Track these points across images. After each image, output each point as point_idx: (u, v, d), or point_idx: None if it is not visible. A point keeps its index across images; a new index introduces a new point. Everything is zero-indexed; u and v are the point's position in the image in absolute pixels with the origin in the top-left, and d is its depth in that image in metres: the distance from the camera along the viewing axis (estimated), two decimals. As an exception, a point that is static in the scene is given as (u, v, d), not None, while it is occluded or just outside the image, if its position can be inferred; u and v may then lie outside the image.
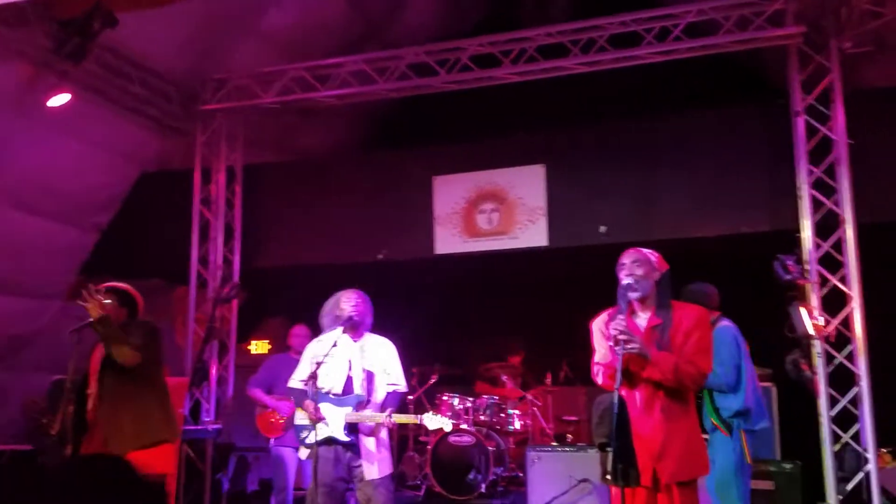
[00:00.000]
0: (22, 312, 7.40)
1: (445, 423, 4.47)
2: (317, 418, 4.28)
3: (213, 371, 7.24)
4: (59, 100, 5.99)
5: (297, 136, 8.66)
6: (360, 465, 4.34)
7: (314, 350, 4.55)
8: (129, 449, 4.16)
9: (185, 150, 7.59)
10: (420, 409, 7.71)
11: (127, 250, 7.54)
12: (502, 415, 7.39)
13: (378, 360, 4.52)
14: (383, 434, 4.47)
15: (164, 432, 4.36)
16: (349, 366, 4.50)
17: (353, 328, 4.51)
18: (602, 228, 6.54)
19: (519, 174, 6.95)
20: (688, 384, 3.43)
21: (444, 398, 7.39)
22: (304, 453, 4.57)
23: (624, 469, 3.34)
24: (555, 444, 6.90)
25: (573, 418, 7.77)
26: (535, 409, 7.60)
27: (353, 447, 4.36)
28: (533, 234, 6.83)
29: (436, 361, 7.87)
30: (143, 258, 7.54)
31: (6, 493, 5.80)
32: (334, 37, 7.66)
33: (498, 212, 6.98)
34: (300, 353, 4.83)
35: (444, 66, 6.73)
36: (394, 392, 4.54)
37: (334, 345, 4.40)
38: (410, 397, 7.42)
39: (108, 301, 4.34)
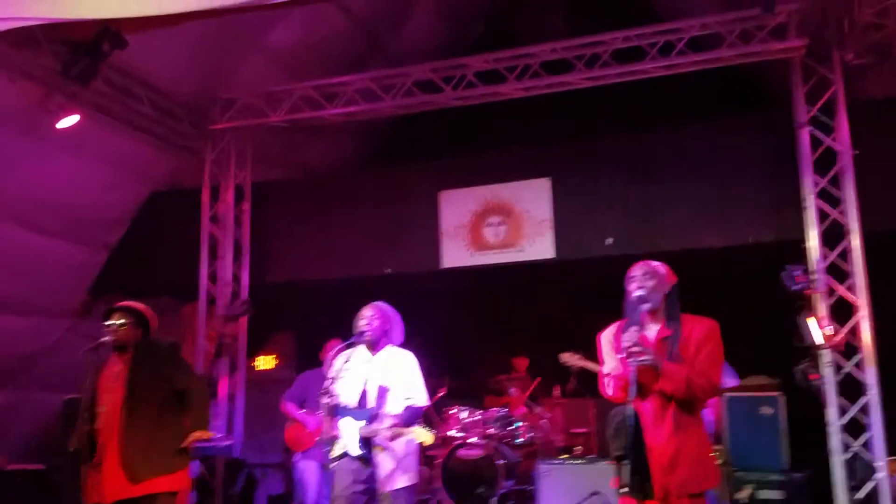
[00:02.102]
0: (31, 331, 7.43)
1: (427, 437, 4.41)
2: (330, 436, 4.30)
3: (224, 388, 7.26)
4: (68, 121, 6.05)
5: (304, 153, 8.72)
6: (375, 479, 4.36)
7: (336, 365, 4.59)
8: (156, 475, 4.20)
9: (193, 168, 7.65)
10: (429, 423, 7.70)
11: (136, 268, 7.59)
12: (511, 428, 7.38)
13: (395, 375, 4.53)
14: (399, 446, 4.44)
15: (186, 457, 4.40)
16: (365, 380, 4.53)
17: (369, 344, 4.54)
18: (608, 240, 6.56)
19: (525, 188, 6.99)
20: (699, 396, 3.45)
21: (453, 411, 7.39)
22: (329, 467, 4.58)
23: (640, 482, 3.36)
24: (565, 456, 6.89)
25: (582, 430, 7.76)
26: (544, 421, 7.60)
27: (369, 461, 4.38)
28: (540, 246, 6.86)
29: (444, 374, 7.87)
30: (153, 276, 7.60)
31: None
32: (337, 54, 7.73)
33: (505, 225, 7.01)
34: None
35: (449, 82, 6.79)
36: (410, 406, 4.52)
37: (347, 360, 4.45)
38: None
39: (124, 321, 4.38)
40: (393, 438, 4.35)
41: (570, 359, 6.31)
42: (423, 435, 4.36)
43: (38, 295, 7.26)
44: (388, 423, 4.40)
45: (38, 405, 7.51)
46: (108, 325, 4.38)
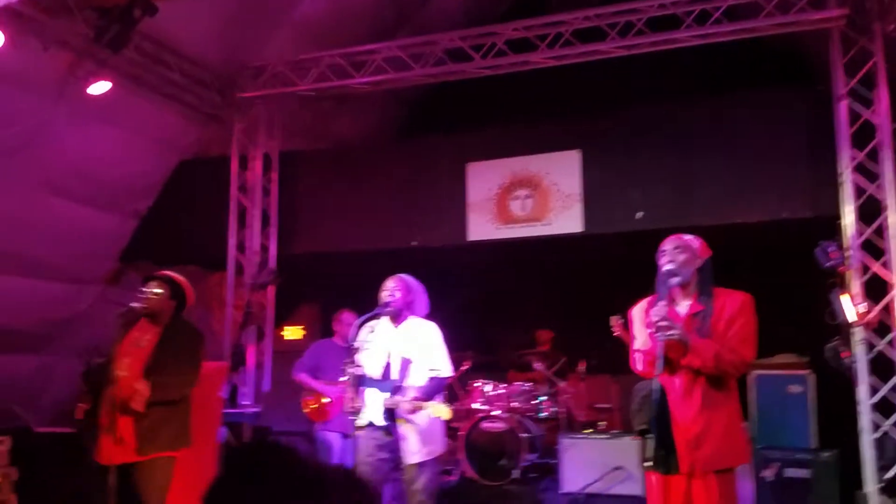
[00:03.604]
0: (63, 297, 7.55)
1: (444, 412, 4.41)
2: (353, 408, 4.33)
3: (251, 356, 7.33)
4: (100, 88, 6.08)
5: (331, 123, 8.70)
6: (399, 449, 4.40)
7: (360, 335, 4.62)
8: (163, 450, 4.27)
9: (222, 137, 7.66)
10: (452, 396, 7.74)
11: (165, 237, 7.65)
12: (534, 402, 7.39)
13: (417, 346, 4.54)
14: (420, 419, 4.46)
15: (189, 433, 4.45)
16: (389, 352, 4.55)
17: (392, 315, 4.55)
18: (638, 214, 6.47)
19: (553, 160, 6.88)
20: (730, 372, 3.41)
21: (477, 384, 7.41)
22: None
23: (665, 456, 3.34)
24: (588, 431, 6.89)
25: (606, 406, 7.75)
26: (567, 396, 7.59)
27: (393, 431, 4.41)
28: (567, 220, 6.76)
29: (468, 348, 7.87)
30: (182, 245, 7.65)
31: (50, 476, 5.93)
32: (366, 23, 7.67)
33: (532, 198, 6.93)
34: (344, 338, 4.90)
35: (479, 51, 6.68)
36: (434, 378, 4.55)
37: (372, 330, 4.47)
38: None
39: (160, 290, 4.42)
40: (413, 411, 4.37)
41: (615, 323, 6.25)
42: (439, 410, 4.37)
43: (70, 262, 7.36)
44: (410, 395, 4.43)
45: (69, 370, 7.64)
46: (144, 292, 4.42)
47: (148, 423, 4.22)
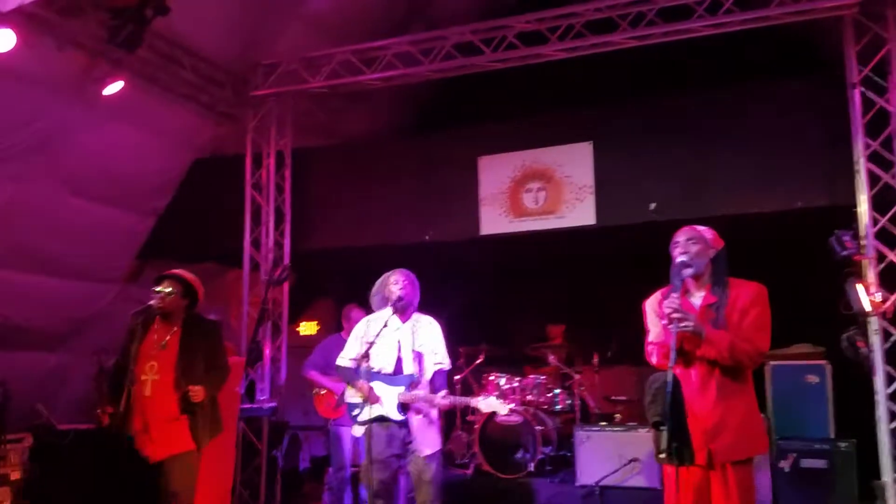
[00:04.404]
0: (82, 296, 7.63)
1: (500, 407, 4.52)
2: (373, 400, 4.38)
3: (267, 352, 7.38)
4: (114, 88, 6.13)
5: (342, 120, 8.72)
6: (412, 442, 4.46)
7: (363, 330, 4.65)
8: (206, 442, 4.40)
9: (236, 135, 7.71)
10: (467, 389, 7.75)
11: (182, 235, 7.73)
12: (549, 394, 7.39)
13: (426, 341, 4.62)
14: (434, 412, 4.58)
15: (220, 425, 4.56)
16: (399, 346, 4.59)
17: (402, 309, 4.59)
18: (652, 206, 6.45)
19: (566, 152, 6.86)
20: (744, 362, 3.41)
21: (491, 378, 7.42)
22: (357, 430, 4.68)
23: (679, 448, 3.34)
24: (604, 423, 6.89)
25: (621, 398, 7.75)
26: (582, 388, 7.60)
27: (406, 425, 4.46)
28: (580, 212, 6.75)
29: (482, 341, 7.89)
30: (198, 242, 7.73)
31: (72, 471, 6.00)
32: (376, 19, 7.69)
33: (544, 191, 6.93)
34: None
35: (489, 44, 6.68)
36: (440, 370, 4.66)
37: (385, 325, 4.50)
38: (457, 377, 7.48)
39: (171, 290, 4.48)
40: (451, 406, 4.46)
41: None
42: (496, 405, 4.48)
43: (88, 260, 7.43)
44: (421, 388, 4.50)
45: (87, 369, 7.72)
46: (157, 292, 4.48)
47: (190, 420, 4.35)
